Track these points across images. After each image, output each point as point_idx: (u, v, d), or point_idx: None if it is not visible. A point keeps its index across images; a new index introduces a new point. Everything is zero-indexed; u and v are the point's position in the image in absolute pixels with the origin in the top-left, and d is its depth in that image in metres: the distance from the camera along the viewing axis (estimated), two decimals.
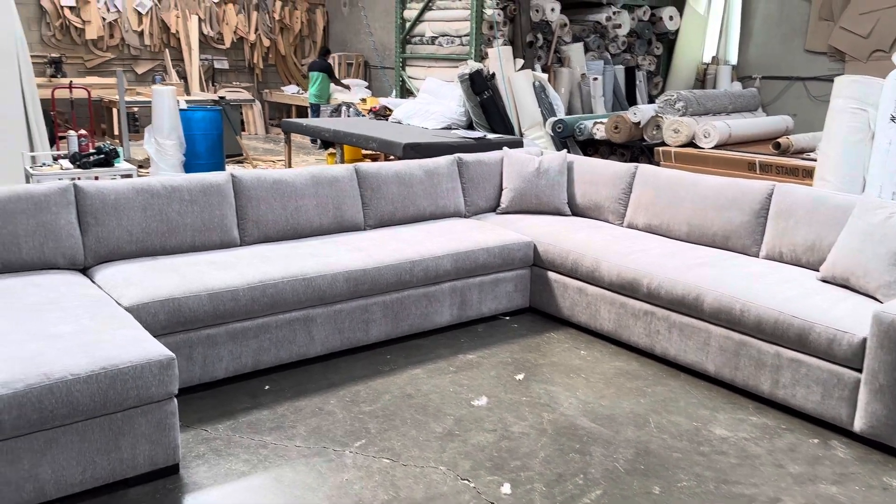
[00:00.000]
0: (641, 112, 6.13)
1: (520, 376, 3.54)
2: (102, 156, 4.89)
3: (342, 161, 7.24)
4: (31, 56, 7.29)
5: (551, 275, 4.29)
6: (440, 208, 4.72)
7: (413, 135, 6.45)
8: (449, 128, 7.13)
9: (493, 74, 7.01)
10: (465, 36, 7.54)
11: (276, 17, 14.68)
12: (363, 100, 11.66)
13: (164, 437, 2.63)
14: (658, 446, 2.95)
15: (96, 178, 5.08)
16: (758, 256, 4.00)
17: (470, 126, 7.15)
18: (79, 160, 4.81)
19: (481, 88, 6.81)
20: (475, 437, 2.97)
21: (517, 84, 6.93)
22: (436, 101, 7.47)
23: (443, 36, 7.82)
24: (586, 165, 4.90)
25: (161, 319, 3.14)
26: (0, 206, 3.30)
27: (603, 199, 4.73)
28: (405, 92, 8.49)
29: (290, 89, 14.71)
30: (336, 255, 3.79)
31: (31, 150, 6.29)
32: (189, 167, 8.24)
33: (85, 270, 3.57)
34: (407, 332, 3.96)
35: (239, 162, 10.37)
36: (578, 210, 4.89)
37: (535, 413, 3.19)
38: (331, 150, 9.61)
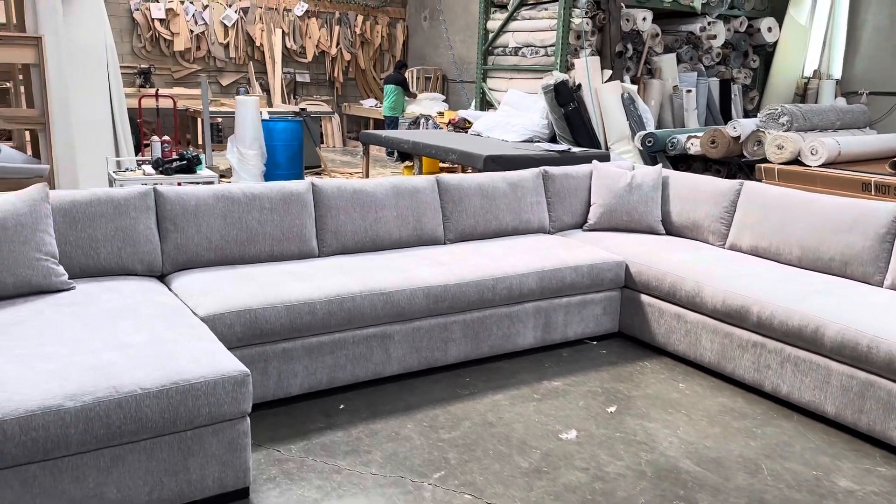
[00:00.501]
0: (742, 126, 5.74)
1: (612, 409, 3.25)
2: (185, 162, 4.88)
3: (420, 173, 7.10)
4: (123, 66, 7.46)
5: (645, 298, 3.97)
6: (524, 223, 4.48)
7: (494, 147, 6.24)
8: (531, 140, 6.89)
9: (580, 85, 6.73)
10: (550, 46, 7.30)
11: (358, 31, 14.80)
12: (440, 113, 11.56)
13: (235, 458, 2.47)
14: (774, 497, 2.61)
15: (179, 184, 5.07)
16: (882, 286, 3.59)
17: (553, 139, 6.89)
18: (161, 166, 4.80)
19: (566, 100, 6.55)
20: (565, 476, 2.70)
21: (605, 96, 6.63)
22: (517, 114, 7.25)
23: (527, 46, 7.60)
24: (684, 181, 4.56)
25: (237, 331, 3.01)
26: (80, 209, 3.25)
27: (702, 218, 4.38)
28: (485, 104, 8.31)
29: (369, 103, 14.78)
30: (416, 269, 3.60)
31: (117, 156, 6.39)
32: (269, 177, 8.27)
33: (162, 277, 3.49)
34: (487, 353, 3.73)
35: (317, 173, 10.40)
36: (673, 229, 4.56)
37: (632, 452, 2.89)
38: (407, 162, 9.51)
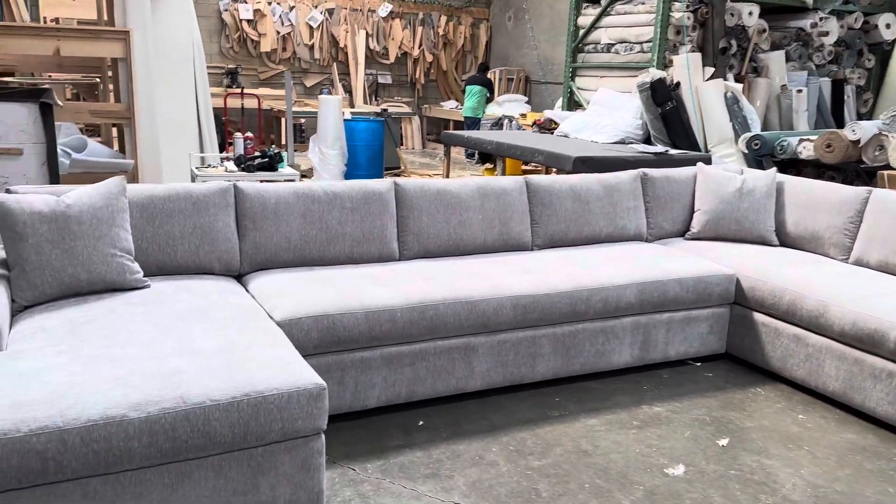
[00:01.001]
0: (862, 129, 5.21)
1: (723, 441, 2.89)
2: (266, 159, 4.78)
3: (503, 175, 6.82)
4: (211, 67, 7.50)
5: (758, 316, 3.57)
6: (619, 229, 4.14)
7: (583, 148, 5.90)
8: (622, 142, 6.51)
9: (678, 84, 6.32)
10: (646, 42, 6.90)
11: (441, 31, 14.66)
12: (523, 115, 11.26)
13: (309, 478, 2.26)
14: None
15: (261, 181, 4.98)
16: None
17: (647, 140, 6.49)
18: (243, 163, 4.71)
19: (664, 99, 6.14)
20: None
21: (706, 95, 6.19)
22: (608, 113, 6.89)
23: (620, 43, 7.22)
24: (800, 187, 4.13)
25: (314, 337, 2.82)
26: (158, 204, 3.13)
27: (822, 229, 3.94)
28: (573, 104, 7.96)
29: (449, 104, 14.62)
30: (502, 277, 3.33)
31: (201, 152, 6.39)
32: (349, 177, 8.18)
33: (240, 277, 3.35)
34: (578, 371, 3.42)
35: (396, 174, 10.28)
36: (788, 240, 4.13)
37: (750, 494, 2.53)
38: (487, 165, 9.26)
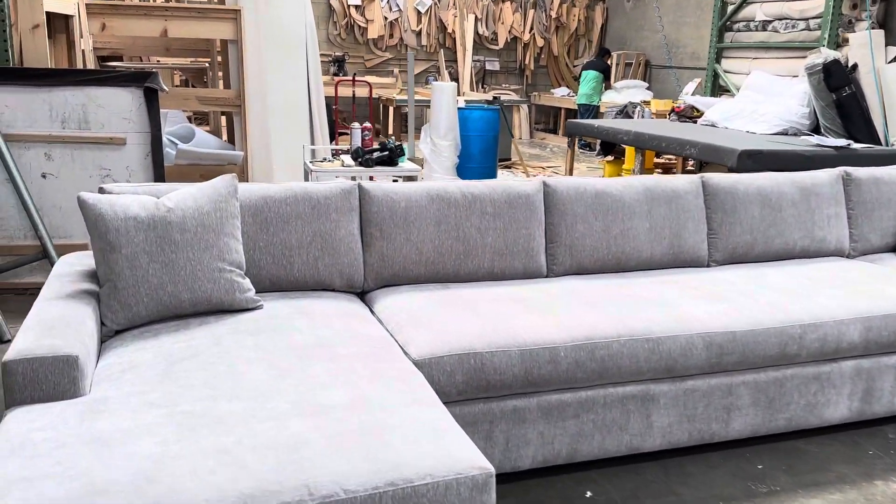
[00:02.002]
0: None
1: None
2: (386, 153, 4.25)
3: (641, 171, 6.05)
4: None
5: None
6: (816, 242, 3.35)
7: (746, 140, 5.07)
8: (785, 133, 5.62)
9: (855, 66, 5.36)
10: (813, 18, 5.95)
11: (553, 15, 13.86)
12: (646, 101, 10.36)
13: None
14: None
15: (371, 178, 4.47)
16: None
17: (815, 130, 5.57)
18: (361, 157, 4.22)
19: (839, 83, 5.22)
20: None
21: (891, 79, 5.22)
22: (764, 100, 5.99)
23: (780, 19, 6.29)
24: None
25: (457, 381, 2.24)
26: (273, 207, 2.63)
27: None
28: (717, 89, 7.07)
29: (560, 91, 13.82)
30: (687, 305, 2.64)
31: (312, 143, 5.96)
32: (461, 170, 7.61)
33: (363, 295, 2.82)
34: (782, 428, 2.69)
35: (507, 167, 9.64)
36: None
37: None
38: (608, 157, 8.46)
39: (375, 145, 4.40)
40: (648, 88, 12.43)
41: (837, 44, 5.67)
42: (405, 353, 2.25)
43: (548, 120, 14.73)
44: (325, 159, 4.41)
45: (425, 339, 2.29)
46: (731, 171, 4.63)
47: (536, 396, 2.35)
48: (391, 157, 4.27)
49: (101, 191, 2.52)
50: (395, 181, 4.92)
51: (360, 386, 1.91)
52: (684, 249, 3.16)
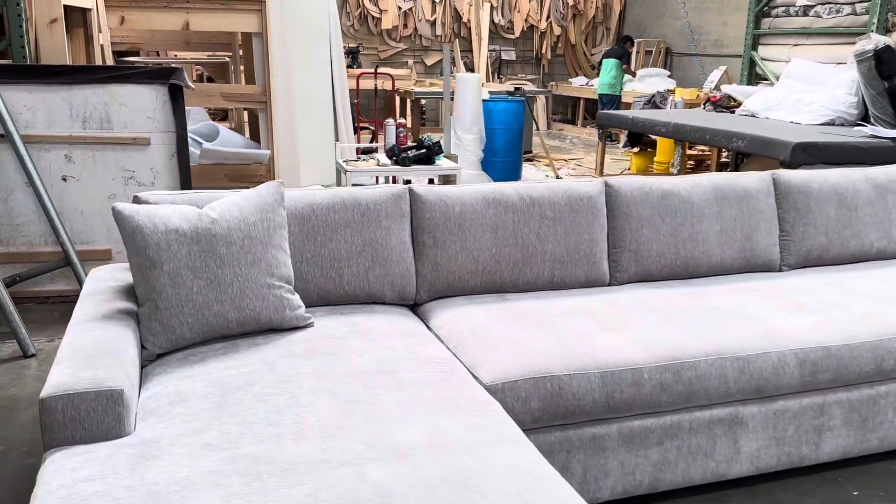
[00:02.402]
0: None
1: None
2: (423, 151, 4.03)
3: (681, 166, 5.80)
4: None
5: None
6: (893, 243, 3.13)
7: (798, 133, 4.83)
8: (832, 123, 5.37)
9: None
10: (860, 2, 5.68)
11: (570, 2, 13.57)
12: (670, 90, 10.08)
13: None
14: None
15: (407, 181, 4.24)
16: None
17: (864, 120, 5.32)
18: (397, 155, 4.00)
19: (892, 71, 4.96)
20: None
21: None
22: (807, 89, 5.73)
23: (823, 4, 6.02)
24: None
25: (533, 408, 2.03)
26: (321, 215, 2.43)
27: None
28: (754, 77, 6.81)
29: (578, 81, 13.54)
30: (771, 317, 2.43)
31: (336, 139, 5.75)
32: (485, 165, 7.38)
33: (415, 307, 2.61)
34: (875, 449, 2.48)
35: (528, 160, 9.40)
36: None
37: None
38: (634, 149, 8.22)
39: (411, 142, 4.19)
40: (670, 76, 12.15)
41: (886, 29, 5.41)
42: (474, 377, 2.05)
43: (565, 110, 14.47)
44: (360, 158, 4.19)
45: (495, 360, 2.08)
46: (783, 164, 4.40)
47: (617, 423, 2.14)
48: (429, 156, 4.05)
49: (136, 200, 2.33)
50: (430, 182, 4.71)
51: (435, 420, 1.71)
52: (756, 253, 2.94)
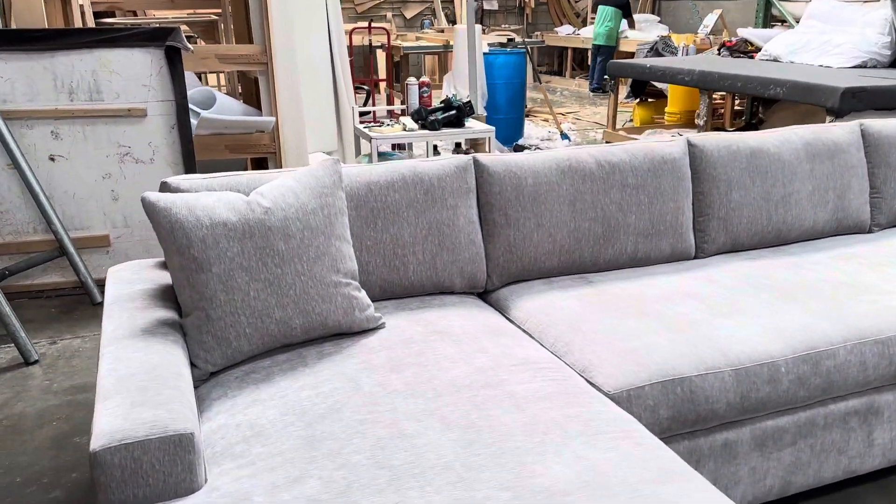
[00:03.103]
0: None
1: None
2: (453, 112, 3.65)
3: (710, 116, 5.46)
4: None
5: None
6: None
7: (838, 77, 4.52)
8: (864, 65, 5.08)
9: None
10: None
11: None
12: (666, 36, 9.71)
13: None
14: None
15: (456, 146, 3.84)
16: None
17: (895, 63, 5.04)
18: (424, 118, 3.61)
19: None
20: None
21: None
22: (835, 30, 5.42)
23: None
24: None
25: (661, 418, 1.74)
26: (379, 195, 2.09)
27: None
28: (769, 20, 6.47)
29: (564, 30, 13.09)
30: (893, 289, 2.15)
31: (336, 101, 5.32)
32: (487, 123, 7.00)
33: (485, 295, 2.29)
34: None
35: (525, 115, 9.01)
36: None
37: None
38: (635, 100, 7.86)
39: (439, 104, 3.80)
40: (661, 22, 11.76)
41: None
42: (590, 383, 1.74)
43: (552, 62, 14.00)
44: (383, 123, 3.80)
45: (610, 362, 1.77)
46: (829, 112, 4.11)
47: (750, 425, 1.86)
48: (459, 117, 3.67)
49: (164, 187, 1.95)
50: (457, 146, 4.32)
51: (576, 450, 1.40)
52: (848, 214, 2.66)
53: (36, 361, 2.94)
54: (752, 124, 5.86)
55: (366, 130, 3.66)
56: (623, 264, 2.40)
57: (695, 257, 2.50)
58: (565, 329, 1.95)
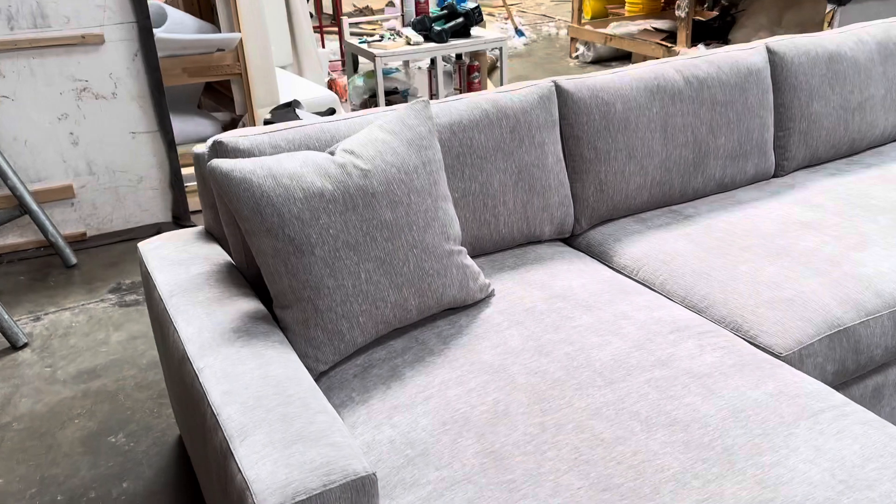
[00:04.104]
0: None
1: None
2: (461, 20, 3.23)
3: (691, 6, 5.15)
4: None
5: None
6: None
7: None
8: None
9: None
10: None
11: None
12: None
13: None
14: None
15: (456, 59, 3.41)
16: None
17: None
18: (428, 28, 3.18)
19: None
20: None
21: None
22: None
23: None
24: None
25: (828, 373, 1.59)
26: (464, 138, 1.79)
27: None
28: None
29: None
30: None
31: (288, 12, 4.76)
32: None
33: (570, 241, 2.06)
34: None
35: None
36: None
37: None
38: None
39: (440, 11, 3.36)
40: None
41: None
42: (757, 346, 1.55)
43: None
44: (383, 37, 3.34)
45: (770, 318, 1.59)
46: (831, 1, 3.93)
47: (893, 366, 1.74)
48: (466, 26, 3.27)
49: (219, 149, 1.57)
50: (458, 57, 3.90)
51: (807, 440, 1.22)
52: None
53: (25, 345, 2.54)
54: (726, 14, 5.62)
55: (364, 46, 3.22)
56: (710, 191, 2.20)
57: (774, 175, 2.33)
58: (693, 279, 1.74)
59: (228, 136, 1.58)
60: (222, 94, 4.47)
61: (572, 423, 1.27)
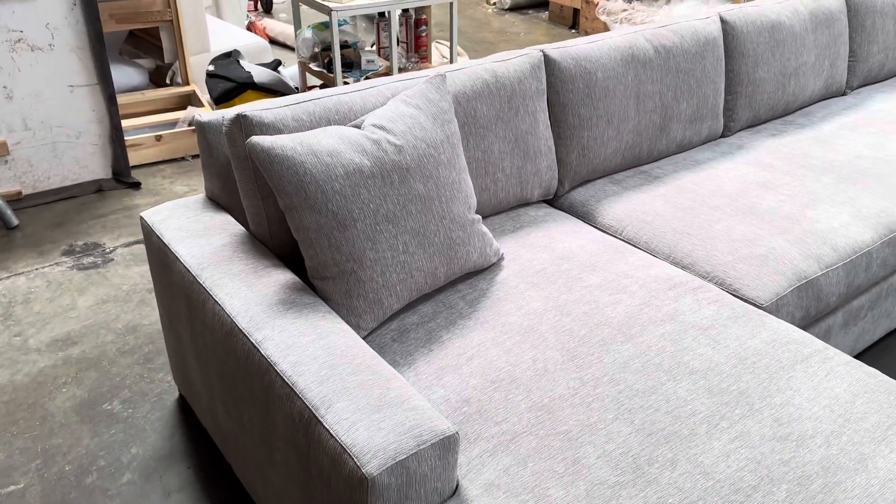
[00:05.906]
0: None
1: None
2: None
3: None
4: None
5: None
6: None
7: None
8: None
9: None
10: None
11: None
12: None
13: None
14: None
15: (403, 13, 3.35)
16: None
17: None
18: None
19: None
20: None
21: None
22: None
23: None
24: None
25: (796, 319, 1.83)
26: (470, 108, 1.91)
27: None
28: None
29: None
30: None
31: None
32: None
33: (554, 202, 2.20)
34: None
35: None
36: None
37: None
38: None
39: None
40: None
41: None
42: (741, 298, 1.76)
43: None
44: None
45: (749, 273, 1.79)
46: None
47: (841, 309, 2.01)
48: None
49: (245, 122, 1.58)
50: (404, 11, 3.86)
51: (806, 383, 1.44)
52: (835, 79, 2.81)
53: (17, 226, 2.41)
54: None
55: (327, 2, 3.13)
56: (671, 152, 2.39)
57: (721, 136, 2.55)
58: (675, 238, 1.93)
59: (251, 110, 1.59)
60: (143, 40, 4.25)
61: (607, 377, 1.43)
